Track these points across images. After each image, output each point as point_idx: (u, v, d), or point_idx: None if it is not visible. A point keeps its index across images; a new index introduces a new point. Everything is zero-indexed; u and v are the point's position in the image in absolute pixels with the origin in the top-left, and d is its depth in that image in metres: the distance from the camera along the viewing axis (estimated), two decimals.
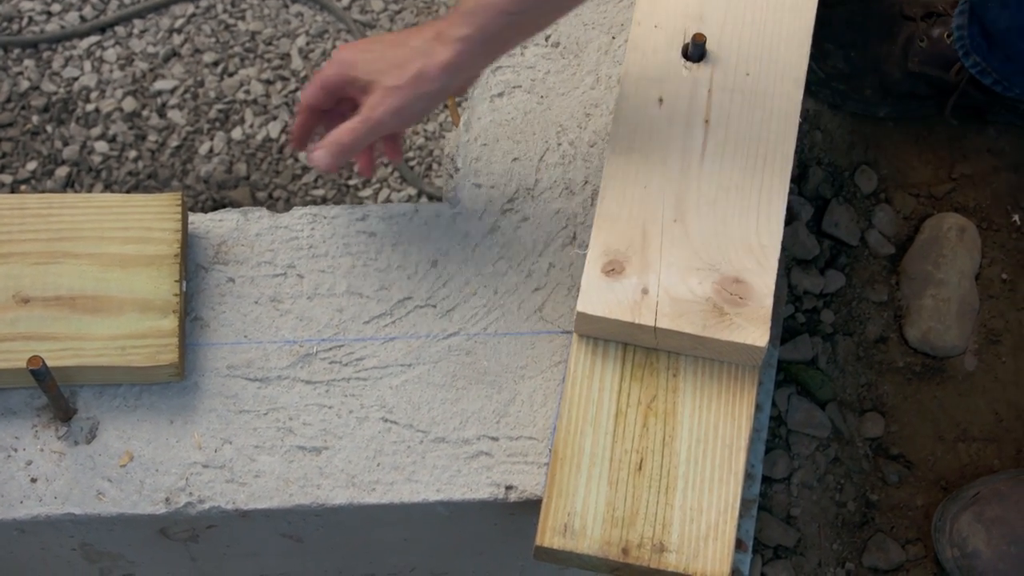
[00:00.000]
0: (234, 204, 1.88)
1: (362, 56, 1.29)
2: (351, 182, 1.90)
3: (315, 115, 1.36)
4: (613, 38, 1.55)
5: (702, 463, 1.27)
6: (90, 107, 1.94)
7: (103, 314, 1.31)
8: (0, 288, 1.31)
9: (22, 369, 1.25)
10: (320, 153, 1.31)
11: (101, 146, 1.92)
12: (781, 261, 1.35)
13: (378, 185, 1.91)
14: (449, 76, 1.26)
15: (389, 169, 1.92)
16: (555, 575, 1.49)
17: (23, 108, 1.94)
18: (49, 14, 2.01)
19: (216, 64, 1.98)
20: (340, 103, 1.34)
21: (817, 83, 1.89)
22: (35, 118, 1.94)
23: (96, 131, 1.93)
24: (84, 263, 1.33)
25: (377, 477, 1.32)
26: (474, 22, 1.24)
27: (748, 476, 1.58)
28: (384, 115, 1.28)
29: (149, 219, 1.36)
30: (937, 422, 1.80)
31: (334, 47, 2.00)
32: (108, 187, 1.90)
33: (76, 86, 1.96)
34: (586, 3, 1.54)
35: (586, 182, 1.46)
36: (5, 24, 2.00)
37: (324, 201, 1.88)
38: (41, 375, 1.24)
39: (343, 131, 1.30)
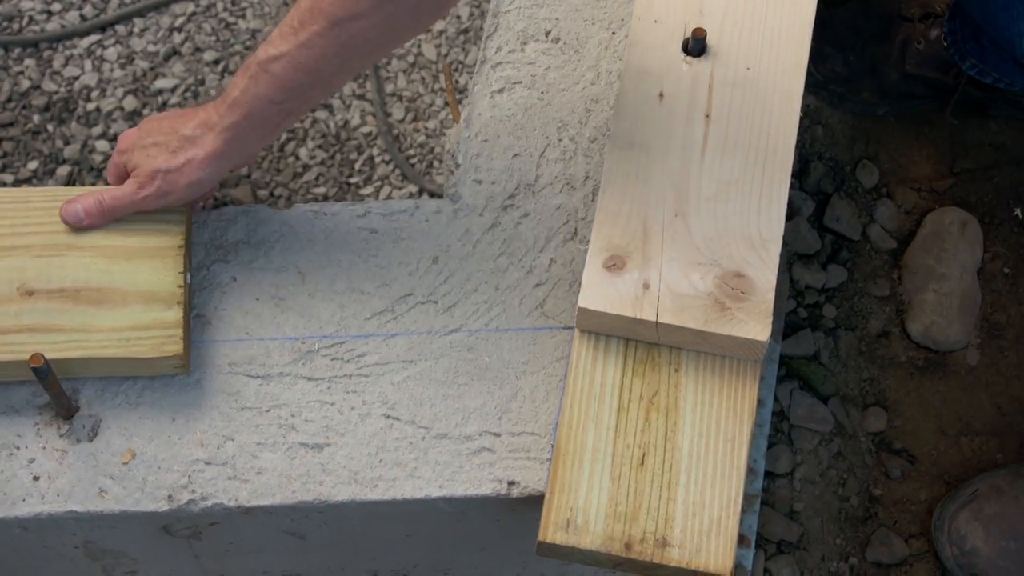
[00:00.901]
0: (235, 202, 1.88)
1: (138, 145, 1.33)
2: (352, 180, 1.91)
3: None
4: (613, 33, 1.55)
5: (704, 458, 1.27)
6: (91, 106, 1.94)
7: (107, 306, 1.31)
8: (4, 281, 1.31)
9: (27, 362, 1.24)
10: (77, 208, 1.34)
11: (102, 145, 1.92)
12: (782, 256, 1.35)
13: (379, 183, 1.91)
14: (217, 163, 1.31)
15: (391, 167, 1.92)
16: (558, 571, 1.49)
17: (24, 107, 1.94)
18: (49, 13, 2.00)
19: (217, 63, 1.98)
20: None
21: (815, 85, 1.88)
22: (36, 117, 1.94)
23: (97, 130, 1.93)
24: (88, 255, 1.33)
25: (379, 473, 1.32)
26: (241, 111, 1.28)
27: (750, 471, 1.58)
28: (149, 196, 1.32)
29: (153, 211, 1.36)
30: (939, 416, 1.80)
31: None
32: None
33: (77, 85, 1.96)
34: (587, 2, 1.54)
35: (587, 177, 1.46)
36: (6, 23, 2.00)
37: (325, 199, 1.88)
38: (43, 373, 1.24)
39: (108, 196, 1.34)
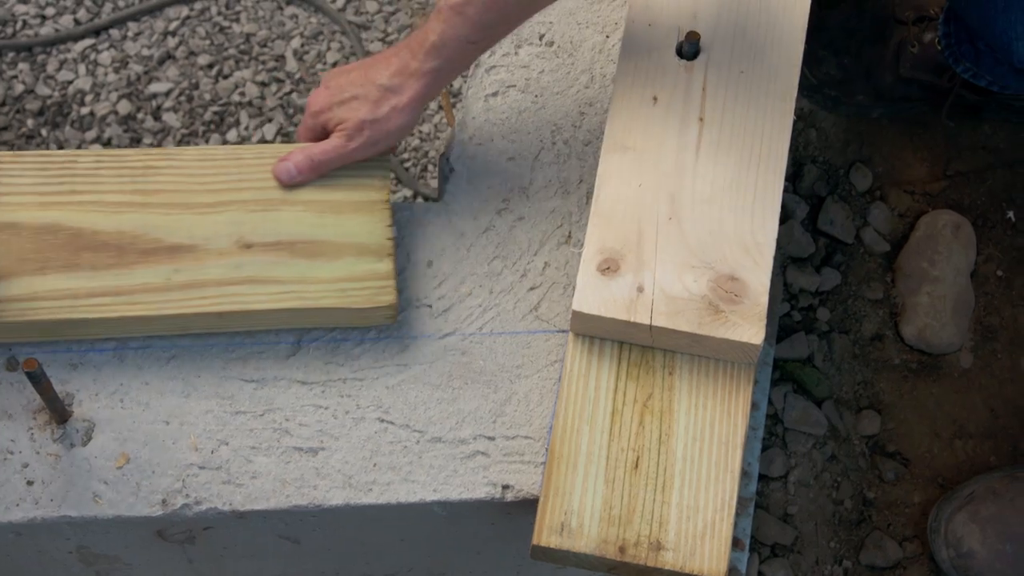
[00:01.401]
0: None
1: (336, 101, 1.36)
2: None
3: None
4: (607, 37, 1.55)
5: (698, 461, 1.27)
6: (85, 110, 1.94)
7: (322, 258, 1.34)
8: (224, 234, 1.34)
9: (252, 311, 1.30)
10: (288, 165, 1.37)
11: (96, 149, 1.92)
12: (776, 259, 1.36)
13: None
14: (419, 105, 1.35)
15: None
16: (552, 574, 1.49)
17: (18, 112, 1.94)
18: (43, 17, 2.01)
19: (211, 66, 1.98)
20: None
21: (809, 88, 1.89)
22: (30, 122, 1.94)
23: (91, 134, 1.93)
24: (299, 210, 1.36)
25: (374, 477, 1.32)
26: (442, 54, 1.32)
27: (745, 474, 1.58)
28: (359, 146, 1.36)
29: (359, 166, 1.38)
30: (933, 419, 1.80)
31: (328, 49, 2.00)
32: None
33: (71, 89, 1.96)
34: (580, 2, 1.54)
35: (581, 181, 1.46)
36: (0, 28, 2.00)
37: None
38: (36, 377, 1.24)
39: (318, 150, 1.36)
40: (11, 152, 1.41)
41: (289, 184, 1.37)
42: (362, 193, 1.37)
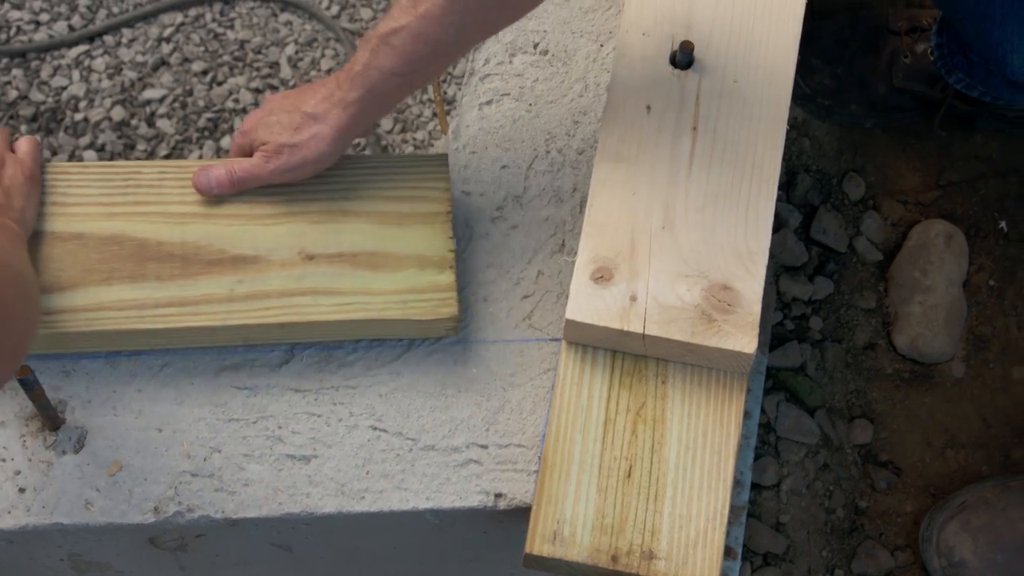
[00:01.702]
0: None
1: (262, 123, 1.36)
2: None
3: None
4: (601, 46, 1.55)
5: (691, 470, 1.27)
6: (79, 116, 1.94)
7: (383, 270, 1.34)
8: (286, 245, 1.35)
9: (314, 323, 1.30)
10: (208, 176, 1.36)
11: (90, 155, 1.92)
12: (769, 268, 1.36)
13: None
14: (342, 137, 1.34)
15: None
16: None
17: (11, 117, 1.94)
18: (37, 23, 2.00)
19: (205, 73, 1.98)
20: None
21: (803, 98, 1.89)
22: (24, 127, 1.93)
23: (85, 140, 1.93)
24: (362, 221, 1.36)
25: (366, 485, 1.32)
26: (365, 85, 1.30)
27: (737, 483, 1.58)
28: (275, 169, 1.35)
29: (419, 178, 1.39)
30: (925, 428, 1.80)
31: (322, 56, 2.00)
32: None
33: (65, 95, 1.95)
34: (574, 11, 1.54)
35: (575, 189, 1.47)
36: None
37: None
38: (29, 384, 1.24)
39: (237, 167, 1.36)
40: (77, 163, 1.43)
41: (207, 195, 1.36)
42: (424, 205, 1.38)
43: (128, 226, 1.34)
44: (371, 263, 1.34)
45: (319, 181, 1.37)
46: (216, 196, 1.36)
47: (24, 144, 1.38)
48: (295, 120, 1.33)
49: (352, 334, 1.35)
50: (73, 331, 1.30)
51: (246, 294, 1.32)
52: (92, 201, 1.36)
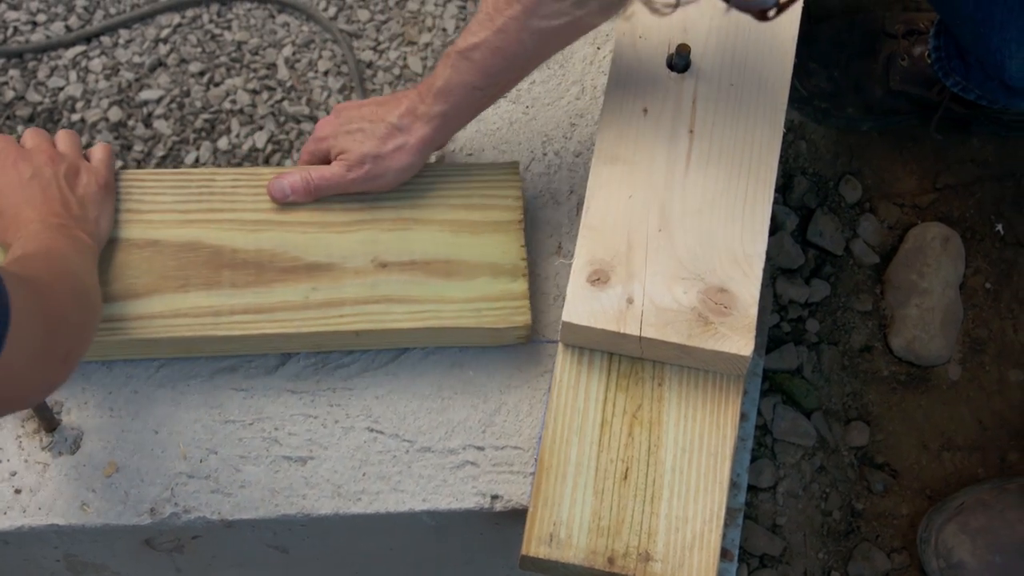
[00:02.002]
0: None
1: (342, 131, 1.37)
2: None
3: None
4: (598, 48, 1.55)
5: (687, 472, 1.27)
6: (76, 117, 1.94)
7: (456, 278, 1.35)
8: (360, 253, 1.35)
9: (389, 330, 1.31)
10: (284, 184, 1.37)
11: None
12: (766, 271, 1.36)
13: None
14: (426, 149, 1.35)
15: None
16: None
17: (8, 118, 1.94)
18: (34, 24, 2.00)
19: (202, 74, 1.98)
20: None
21: (799, 101, 1.89)
22: (20, 128, 1.93)
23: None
24: (435, 229, 1.37)
25: (363, 487, 1.32)
26: (448, 99, 1.32)
27: (733, 485, 1.58)
28: (357, 178, 1.36)
29: (490, 186, 1.40)
30: (922, 431, 1.80)
31: (320, 57, 2.00)
32: None
33: (62, 96, 1.95)
34: None
35: (571, 192, 1.47)
36: None
37: None
38: None
39: (316, 175, 1.37)
40: (151, 170, 1.44)
41: (282, 203, 1.37)
42: (497, 213, 1.38)
43: (203, 233, 1.35)
44: (444, 271, 1.35)
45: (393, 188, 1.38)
46: (291, 203, 1.37)
47: (98, 152, 1.38)
48: (379, 131, 1.34)
49: (425, 342, 1.35)
50: (150, 337, 1.30)
51: (321, 301, 1.32)
52: (167, 208, 1.37)
